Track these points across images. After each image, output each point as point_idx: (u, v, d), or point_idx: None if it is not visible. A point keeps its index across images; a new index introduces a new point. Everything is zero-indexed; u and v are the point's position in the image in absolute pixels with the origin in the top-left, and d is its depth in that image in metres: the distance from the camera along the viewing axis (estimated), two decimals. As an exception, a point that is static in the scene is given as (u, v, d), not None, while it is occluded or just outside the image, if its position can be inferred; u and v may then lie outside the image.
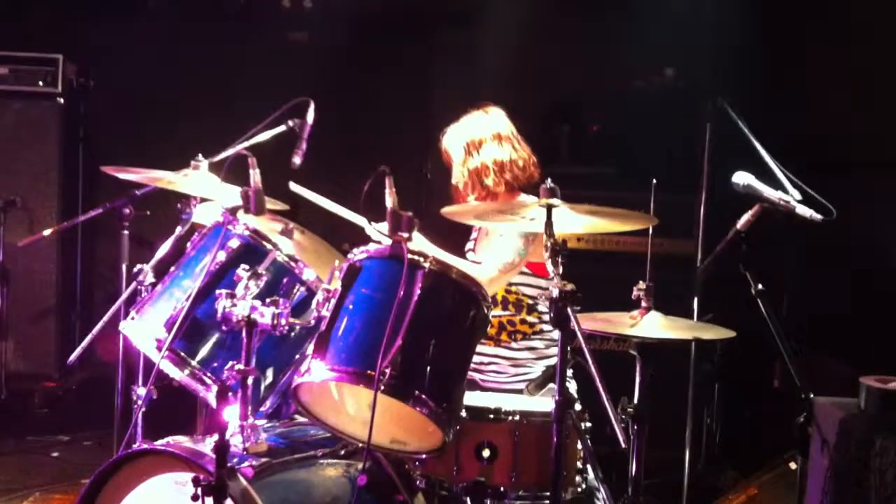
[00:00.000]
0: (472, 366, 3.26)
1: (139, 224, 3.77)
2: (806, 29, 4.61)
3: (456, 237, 3.58)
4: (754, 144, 3.30)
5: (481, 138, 3.37)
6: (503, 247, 3.23)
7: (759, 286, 2.84)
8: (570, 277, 3.18)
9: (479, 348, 3.25)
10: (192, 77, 5.30)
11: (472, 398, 2.77)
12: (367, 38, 5.26)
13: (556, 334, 2.43)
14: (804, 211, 2.98)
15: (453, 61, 5.16)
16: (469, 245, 3.51)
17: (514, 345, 3.30)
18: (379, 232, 2.69)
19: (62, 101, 5.24)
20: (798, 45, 4.63)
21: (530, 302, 3.30)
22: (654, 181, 2.84)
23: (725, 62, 4.49)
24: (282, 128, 3.37)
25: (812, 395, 2.63)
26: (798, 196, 3.03)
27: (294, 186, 3.27)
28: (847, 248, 3.93)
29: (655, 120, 4.63)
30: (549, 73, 4.97)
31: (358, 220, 3.11)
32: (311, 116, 3.37)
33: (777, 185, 3.11)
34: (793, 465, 3.08)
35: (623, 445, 2.19)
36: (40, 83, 5.22)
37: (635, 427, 2.65)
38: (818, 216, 2.96)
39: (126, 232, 3.71)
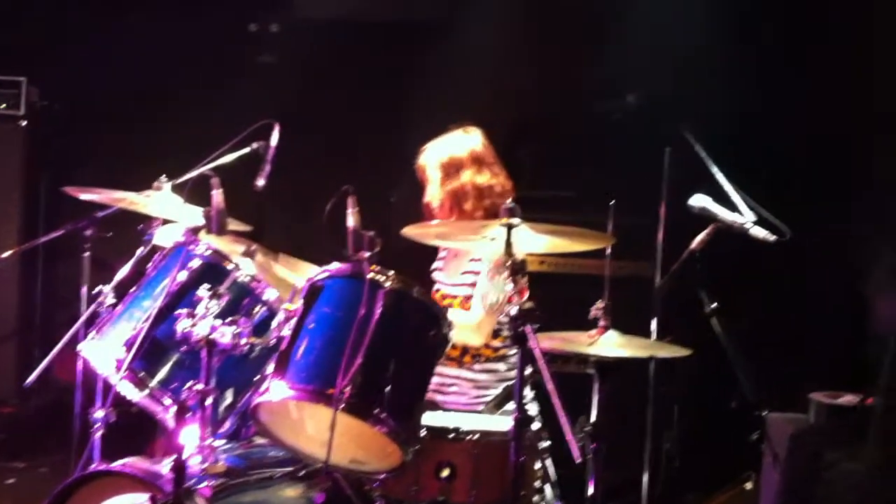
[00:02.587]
0: (434, 387, 3.28)
1: (101, 246, 3.75)
2: (768, 54, 4.71)
3: (420, 259, 3.61)
4: (711, 168, 3.37)
5: (461, 159, 3.38)
6: (486, 287, 3.25)
7: (713, 305, 2.89)
8: (532, 299, 3.23)
9: (441, 370, 3.29)
10: (157, 100, 5.28)
11: (431, 418, 2.78)
12: (333, 61, 5.28)
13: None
14: (759, 232, 3.06)
15: (419, 85, 5.20)
16: (437, 265, 3.52)
17: (476, 366, 3.31)
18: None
19: (25, 123, 5.21)
20: (762, 69, 4.72)
21: (496, 327, 3.31)
22: (612, 202, 2.89)
23: (687, 87, 4.58)
24: (246, 150, 3.38)
25: (766, 413, 2.68)
26: (753, 217, 3.10)
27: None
28: (803, 267, 4.03)
29: (618, 144, 4.71)
30: (513, 97, 5.02)
31: None
32: (275, 139, 3.38)
33: (733, 207, 3.18)
34: (748, 485, 3.12)
35: (578, 460, 2.22)
36: (3, 106, 5.19)
37: (593, 445, 2.67)
38: (772, 237, 3.03)
39: (87, 254, 3.70)
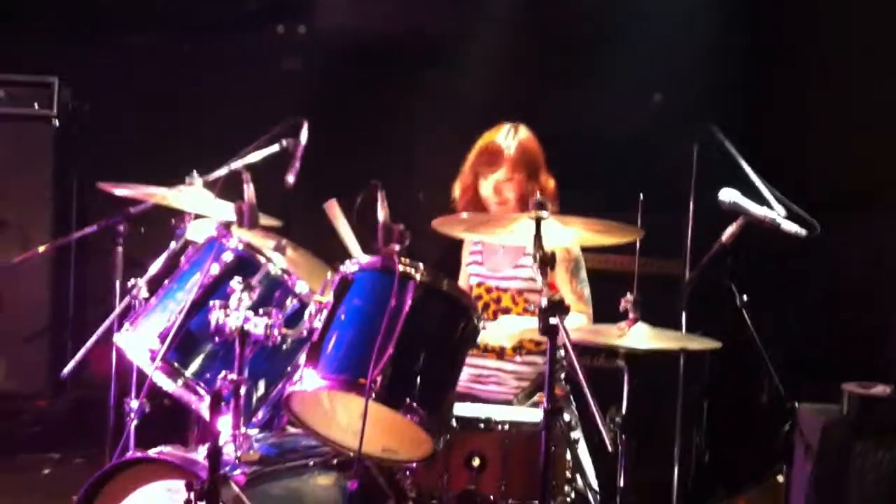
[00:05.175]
0: (472, 378, 3.32)
1: (132, 243, 3.79)
2: (794, 51, 4.70)
3: (448, 254, 3.63)
4: (740, 163, 3.37)
5: (540, 160, 3.41)
6: (580, 284, 3.32)
7: (745, 297, 2.89)
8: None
9: (480, 362, 3.33)
10: (187, 99, 5.34)
11: (462, 409, 2.80)
12: (360, 63, 5.32)
13: (560, 352, 2.47)
14: (789, 226, 3.06)
15: (443, 86, 5.23)
16: (474, 258, 3.49)
17: (517, 359, 3.33)
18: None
19: (57, 123, 5.28)
20: (786, 68, 4.71)
21: None
22: (642, 196, 2.89)
23: (713, 85, 4.58)
24: (275, 147, 3.41)
25: (797, 405, 2.67)
26: (783, 212, 3.10)
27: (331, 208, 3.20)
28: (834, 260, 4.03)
29: (645, 144, 4.71)
30: (536, 96, 5.03)
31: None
32: (304, 136, 3.41)
33: (763, 202, 3.18)
34: (780, 479, 3.11)
35: (609, 450, 2.23)
36: (36, 106, 5.26)
37: (623, 437, 2.68)
38: (803, 231, 3.02)
39: (120, 249, 3.74)
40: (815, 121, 4.57)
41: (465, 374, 3.34)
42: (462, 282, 3.51)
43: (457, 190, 3.50)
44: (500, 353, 3.34)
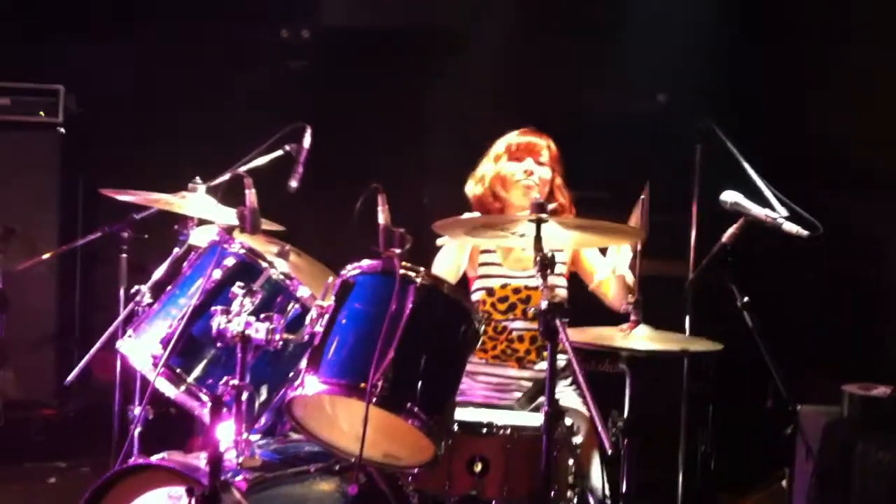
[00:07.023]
0: (494, 387, 3.30)
1: (137, 249, 3.81)
2: (795, 49, 4.70)
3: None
4: (742, 164, 3.36)
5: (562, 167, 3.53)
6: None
7: (745, 299, 2.88)
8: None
9: (501, 371, 3.31)
10: (191, 105, 5.37)
11: (463, 413, 2.79)
12: (363, 65, 5.33)
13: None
14: (790, 227, 3.04)
15: (445, 87, 5.23)
16: (488, 258, 3.45)
17: (537, 366, 3.30)
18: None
19: (62, 130, 5.31)
20: (789, 67, 4.70)
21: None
22: (644, 196, 2.89)
23: (715, 85, 4.57)
24: (279, 152, 3.42)
25: (799, 407, 2.66)
26: (785, 213, 3.09)
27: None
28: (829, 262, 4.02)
29: (649, 143, 4.70)
30: (541, 99, 5.04)
31: None
32: (307, 141, 3.41)
33: (765, 202, 3.17)
34: (784, 483, 3.10)
35: (609, 451, 2.22)
36: (41, 113, 5.28)
37: (626, 441, 2.67)
38: (804, 232, 3.01)
39: (124, 255, 3.76)
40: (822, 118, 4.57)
41: (486, 382, 3.34)
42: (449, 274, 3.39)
43: (476, 187, 3.52)
44: (521, 362, 3.33)
